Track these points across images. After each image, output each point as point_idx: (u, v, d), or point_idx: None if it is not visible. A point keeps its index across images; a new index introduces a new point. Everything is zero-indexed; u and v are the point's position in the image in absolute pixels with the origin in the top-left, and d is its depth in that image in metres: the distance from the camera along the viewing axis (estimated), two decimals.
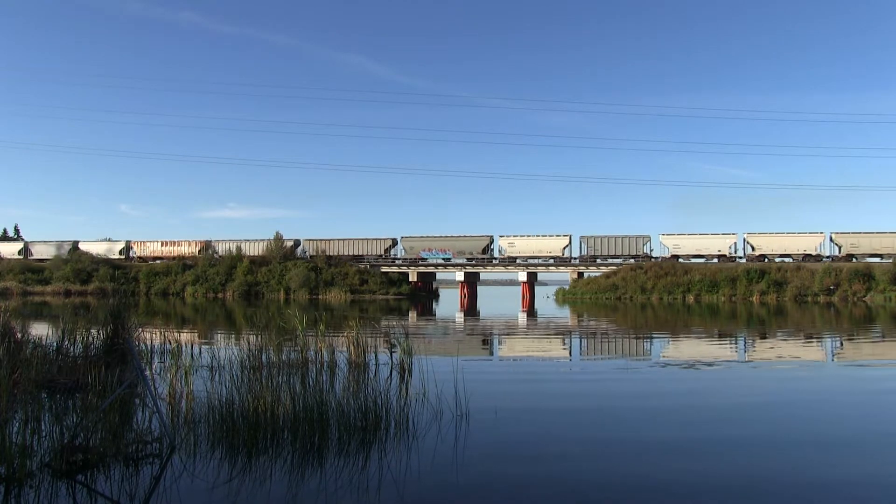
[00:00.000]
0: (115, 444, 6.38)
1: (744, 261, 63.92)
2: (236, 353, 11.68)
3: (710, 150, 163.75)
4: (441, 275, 76.05)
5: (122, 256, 78.70)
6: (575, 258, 68.83)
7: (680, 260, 65.19)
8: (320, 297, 63.33)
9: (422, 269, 71.55)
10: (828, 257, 62.75)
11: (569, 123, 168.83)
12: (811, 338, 22.50)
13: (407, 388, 10.50)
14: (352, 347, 13.24)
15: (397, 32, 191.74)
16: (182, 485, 5.81)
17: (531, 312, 39.72)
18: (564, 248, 68.71)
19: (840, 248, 62.80)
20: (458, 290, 71.36)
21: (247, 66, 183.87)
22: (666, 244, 66.66)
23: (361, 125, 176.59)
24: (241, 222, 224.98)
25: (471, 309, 45.74)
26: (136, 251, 79.52)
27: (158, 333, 14.89)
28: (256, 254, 73.89)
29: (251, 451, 6.84)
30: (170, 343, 12.55)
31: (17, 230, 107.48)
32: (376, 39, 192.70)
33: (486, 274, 73.53)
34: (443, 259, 71.39)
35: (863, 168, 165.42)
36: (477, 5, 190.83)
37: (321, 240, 74.67)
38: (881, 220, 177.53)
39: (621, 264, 66.04)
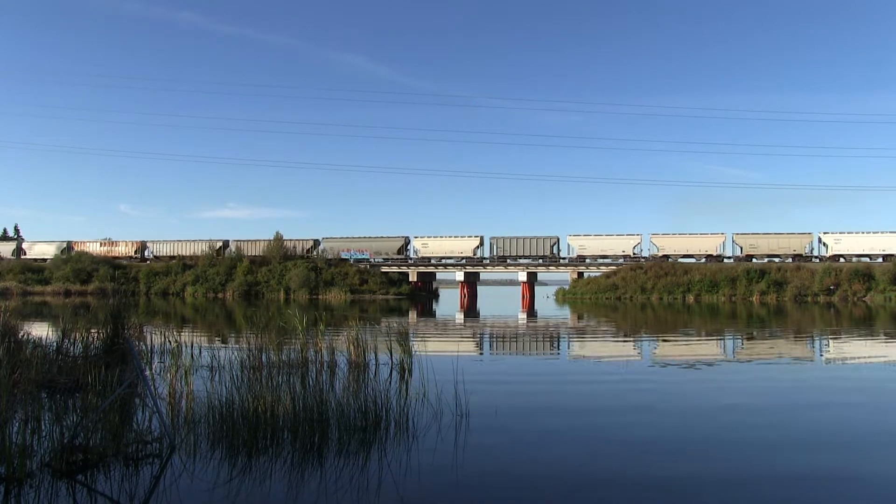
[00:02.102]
0: (115, 444, 6.38)
1: (649, 261, 65.12)
2: (236, 353, 11.68)
3: (709, 150, 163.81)
4: (441, 275, 76.36)
5: (65, 256, 78.57)
6: (486, 258, 70.11)
7: (587, 260, 66.66)
8: (320, 297, 63.30)
9: (422, 269, 71.68)
10: (729, 257, 64.70)
11: (568, 123, 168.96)
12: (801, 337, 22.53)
13: (407, 388, 10.50)
14: (352, 347, 13.23)
15: (397, 32, 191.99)
16: (182, 485, 5.81)
17: (531, 313, 39.70)
18: (476, 249, 70.11)
19: (741, 248, 64.68)
20: (459, 290, 71.47)
21: (246, 67, 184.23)
22: (573, 245, 67.96)
23: (361, 125, 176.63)
24: (240, 222, 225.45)
25: (471, 309, 45.73)
26: (77, 250, 79.92)
27: (159, 333, 14.87)
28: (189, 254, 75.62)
29: (251, 451, 6.83)
30: (170, 343, 12.55)
31: (16, 230, 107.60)
32: (376, 39, 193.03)
33: (486, 274, 73.72)
34: (361, 259, 72.99)
35: (862, 168, 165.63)
36: (477, 5, 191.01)
37: (249, 241, 76.03)
38: (881, 219, 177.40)
39: (530, 264, 68.25)
